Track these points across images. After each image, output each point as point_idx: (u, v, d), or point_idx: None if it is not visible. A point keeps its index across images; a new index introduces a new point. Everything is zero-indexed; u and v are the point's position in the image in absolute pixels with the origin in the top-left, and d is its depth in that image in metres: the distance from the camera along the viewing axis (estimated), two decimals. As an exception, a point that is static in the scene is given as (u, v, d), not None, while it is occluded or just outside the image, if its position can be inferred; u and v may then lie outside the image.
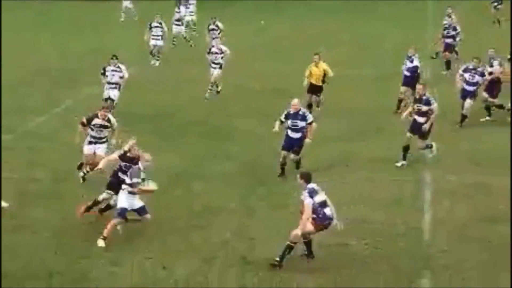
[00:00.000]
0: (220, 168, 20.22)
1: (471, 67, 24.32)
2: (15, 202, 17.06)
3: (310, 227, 13.89)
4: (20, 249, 14.80)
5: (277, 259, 13.94)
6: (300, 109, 19.39)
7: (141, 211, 15.41)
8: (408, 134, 20.37)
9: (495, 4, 46.24)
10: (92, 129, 18.38)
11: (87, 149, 18.43)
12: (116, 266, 14.23)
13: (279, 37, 42.55)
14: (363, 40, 41.02)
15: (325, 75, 25.06)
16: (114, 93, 24.19)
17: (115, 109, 23.11)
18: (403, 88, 25.83)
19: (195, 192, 18.46)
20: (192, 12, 42.77)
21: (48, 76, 32.20)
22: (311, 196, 13.92)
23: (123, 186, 15.34)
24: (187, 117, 25.80)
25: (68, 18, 52.18)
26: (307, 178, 14.21)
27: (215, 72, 27.79)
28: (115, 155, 16.24)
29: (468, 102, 24.22)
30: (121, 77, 24.40)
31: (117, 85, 24.36)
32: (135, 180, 15.07)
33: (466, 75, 24.27)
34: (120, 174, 16.01)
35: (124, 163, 15.95)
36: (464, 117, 24.34)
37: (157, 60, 29.40)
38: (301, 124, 19.30)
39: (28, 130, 24.19)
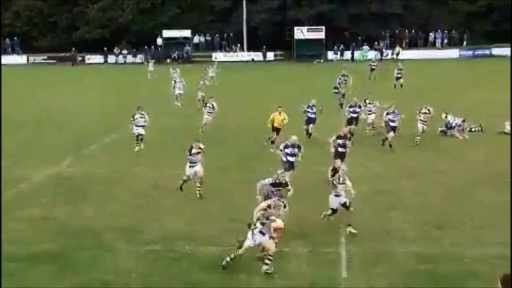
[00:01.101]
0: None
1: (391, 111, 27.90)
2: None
3: None
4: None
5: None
6: (295, 142, 21.52)
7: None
8: (338, 161, 21.94)
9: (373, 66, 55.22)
10: (191, 155, 20.81)
11: (189, 171, 20.86)
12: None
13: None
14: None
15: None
16: (141, 131, 27.81)
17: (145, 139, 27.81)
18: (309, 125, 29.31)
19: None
20: (180, 87, 41.66)
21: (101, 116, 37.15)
22: None
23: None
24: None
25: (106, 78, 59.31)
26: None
27: (209, 118, 31.73)
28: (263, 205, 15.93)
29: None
30: (145, 121, 27.93)
31: (143, 126, 27.87)
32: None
33: (390, 116, 27.65)
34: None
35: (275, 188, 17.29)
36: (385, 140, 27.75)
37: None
38: (295, 151, 21.40)
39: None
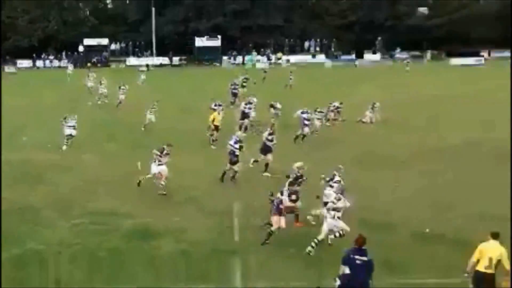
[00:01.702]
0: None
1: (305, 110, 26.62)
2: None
3: None
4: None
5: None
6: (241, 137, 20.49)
7: None
8: (269, 155, 21.17)
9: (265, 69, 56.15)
10: (161, 157, 18.97)
11: (155, 169, 18.98)
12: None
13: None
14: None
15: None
16: (72, 132, 25.72)
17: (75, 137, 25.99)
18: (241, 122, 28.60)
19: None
20: (102, 87, 39.86)
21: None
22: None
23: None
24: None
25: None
26: None
27: (153, 117, 29.81)
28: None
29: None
30: (75, 122, 25.96)
31: (74, 127, 25.89)
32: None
33: (304, 115, 26.35)
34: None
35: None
36: (304, 136, 26.58)
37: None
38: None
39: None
